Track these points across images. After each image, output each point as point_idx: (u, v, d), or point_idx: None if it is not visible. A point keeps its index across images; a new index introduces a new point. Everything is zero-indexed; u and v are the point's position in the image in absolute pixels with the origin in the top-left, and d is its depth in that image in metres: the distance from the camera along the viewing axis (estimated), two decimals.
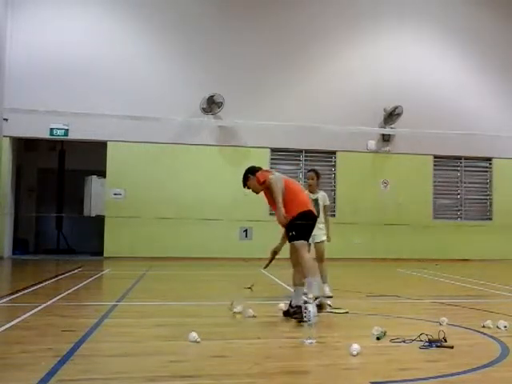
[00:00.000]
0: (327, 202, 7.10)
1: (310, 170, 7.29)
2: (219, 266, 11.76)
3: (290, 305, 5.18)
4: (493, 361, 3.56)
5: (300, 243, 5.16)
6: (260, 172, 5.42)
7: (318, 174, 7.04)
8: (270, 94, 14.43)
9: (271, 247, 5.58)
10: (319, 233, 6.77)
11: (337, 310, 5.50)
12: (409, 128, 13.90)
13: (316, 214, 6.75)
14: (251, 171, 5.47)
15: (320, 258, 6.83)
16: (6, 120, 13.09)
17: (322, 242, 6.87)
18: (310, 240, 6.72)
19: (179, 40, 14.26)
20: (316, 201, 6.86)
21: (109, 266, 11.46)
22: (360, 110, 14.48)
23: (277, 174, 5.38)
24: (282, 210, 5.07)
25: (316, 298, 4.73)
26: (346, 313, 5.42)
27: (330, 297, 6.42)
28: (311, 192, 6.92)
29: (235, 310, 5.15)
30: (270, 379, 3.15)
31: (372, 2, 15.25)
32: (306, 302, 4.47)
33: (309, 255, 5.26)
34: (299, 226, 5.15)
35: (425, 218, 14.95)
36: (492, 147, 15.05)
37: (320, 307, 4.82)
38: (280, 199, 5.09)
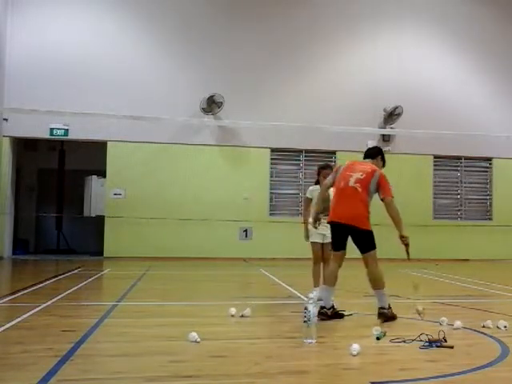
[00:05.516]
0: None
1: (325, 167, 6.51)
2: (219, 266, 11.75)
3: (332, 306, 5.19)
4: (493, 361, 3.55)
5: (331, 252, 5.67)
6: (330, 170, 6.04)
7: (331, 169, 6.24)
8: (270, 94, 14.42)
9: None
10: (328, 232, 6.17)
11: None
12: (409, 128, 13.87)
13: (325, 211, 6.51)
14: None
15: (327, 260, 6.37)
16: (6, 120, 13.09)
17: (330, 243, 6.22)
18: (320, 240, 6.47)
19: (179, 40, 14.27)
20: (329, 196, 6.18)
21: (109, 266, 11.45)
22: (360, 110, 14.47)
23: (330, 176, 5.69)
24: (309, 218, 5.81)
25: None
26: (350, 315, 5.39)
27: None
28: None
29: (232, 313, 5.14)
30: (270, 379, 3.14)
31: (371, 2, 15.25)
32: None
33: (332, 266, 5.58)
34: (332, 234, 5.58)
35: (425, 218, 14.93)
36: (492, 147, 15.02)
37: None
38: (313, 210, 5.79)
